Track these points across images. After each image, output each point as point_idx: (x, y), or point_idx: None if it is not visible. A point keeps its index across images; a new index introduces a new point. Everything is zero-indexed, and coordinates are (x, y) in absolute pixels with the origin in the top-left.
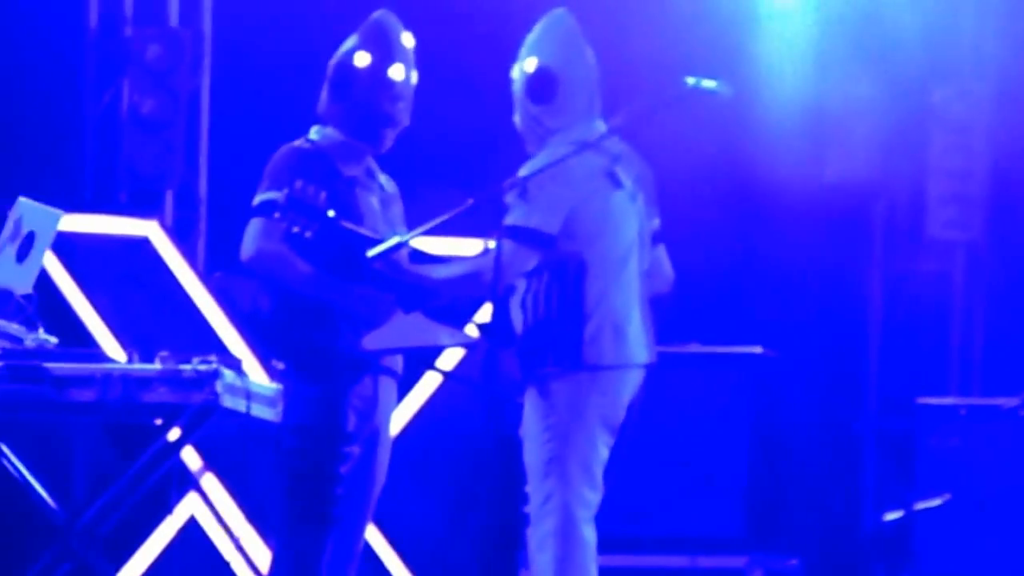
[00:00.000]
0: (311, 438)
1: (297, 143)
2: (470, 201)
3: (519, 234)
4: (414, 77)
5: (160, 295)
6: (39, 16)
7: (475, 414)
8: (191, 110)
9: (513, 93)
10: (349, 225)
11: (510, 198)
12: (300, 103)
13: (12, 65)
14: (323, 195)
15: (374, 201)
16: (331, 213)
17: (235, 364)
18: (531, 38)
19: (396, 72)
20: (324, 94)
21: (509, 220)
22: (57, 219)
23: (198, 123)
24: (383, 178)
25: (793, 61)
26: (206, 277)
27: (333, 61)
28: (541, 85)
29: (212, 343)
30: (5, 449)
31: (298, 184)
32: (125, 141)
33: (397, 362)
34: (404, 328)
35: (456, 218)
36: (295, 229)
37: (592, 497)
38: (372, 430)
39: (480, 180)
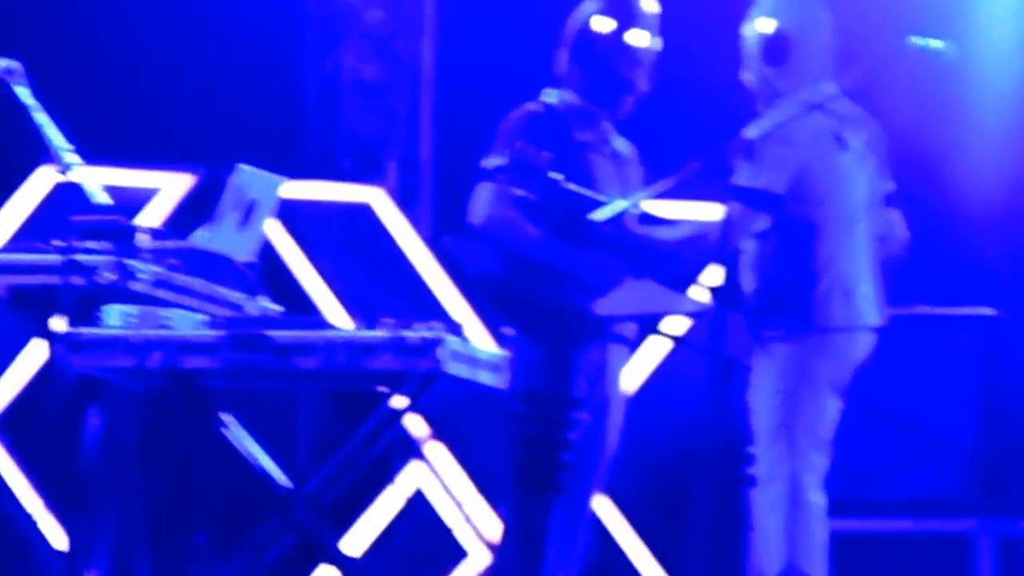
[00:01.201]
0: (539, 404)
1: (530, 105)
2: (697, 163)
3: (746, 195)
4: (656, 43)
5: (384, 262)
6: None
7: (703, 378)
8: (413, 75)
9: (744, 50)
10: (573, 187)
11: (737, 160)
12: (524, 66)
13: (233, 31)
14: (547, 156)
15: (608, 165)
16: (555, 175)
17: (459, 330)
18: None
19: (637, 38)
20: (562, 56)
21: (736, 181)
22: (278, 186)
23: (420, 88)
24: (619, 142)
25: (1018, 20)
26: (430, 243)
27: (573, 23)
28: (776, 47)
29: (436, 309)
30: (229, 418)
31: (519, 146)
32: (347, 107)
33: (629, 328)
34: (635, 293)
35: (683, 180)
36: (518, 192)
37: (820, 461)
38: (602, 397)
39: (707, 142)
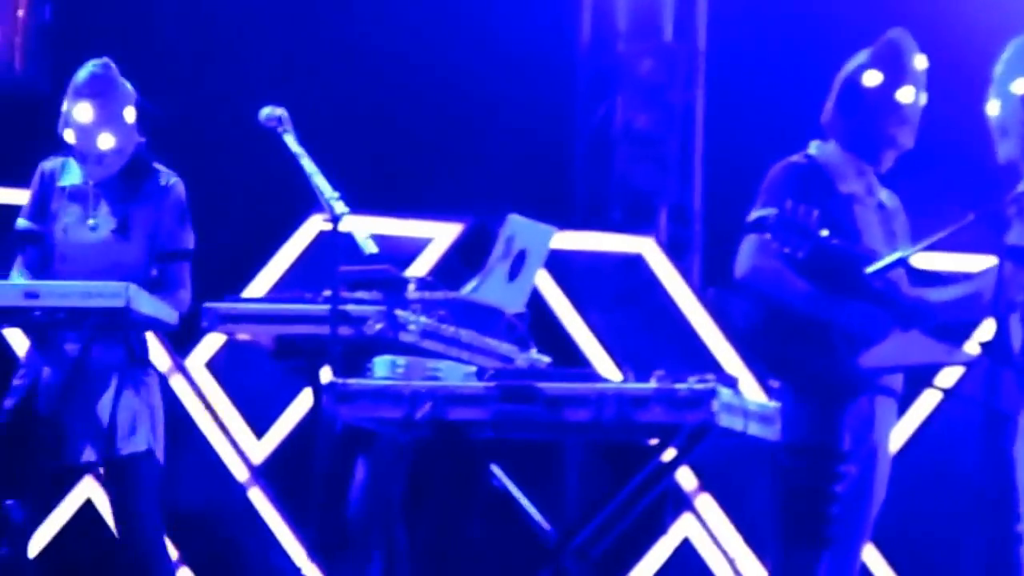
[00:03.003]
0: (806, 457)
1: (794, 158)
2: (971, 216)
3: (1019, 254)
4: (923, 99)
5: (655, 313)
6: (533, 31)
7: (974, 432)
8: (685, 125)
9: (996, 127)
10: (841, 243)
11: (1011, 214)
12: (796, 117)
13: (505, 80)
14: (815, 214)
15: (873, 217)
16: (824, 232)
17: (731, 382)
18: (1007, 66)
19: (905, 95)
20: (829, 107)
21: (1010, 239)
22: (549, 236)
23: (693, 138)
24: (884, 194)
25: None
26: (701, 294)
27: (842, 75)
28: None
29: (708, 361)
30: (497, 470)
31: (788, 204)
32: (618, 157)
33: (896, 380)
34: (902, 345)
35: (957, 233)
36: (786, 250)
37: None
38: (869, 449)
39: (983, 195)
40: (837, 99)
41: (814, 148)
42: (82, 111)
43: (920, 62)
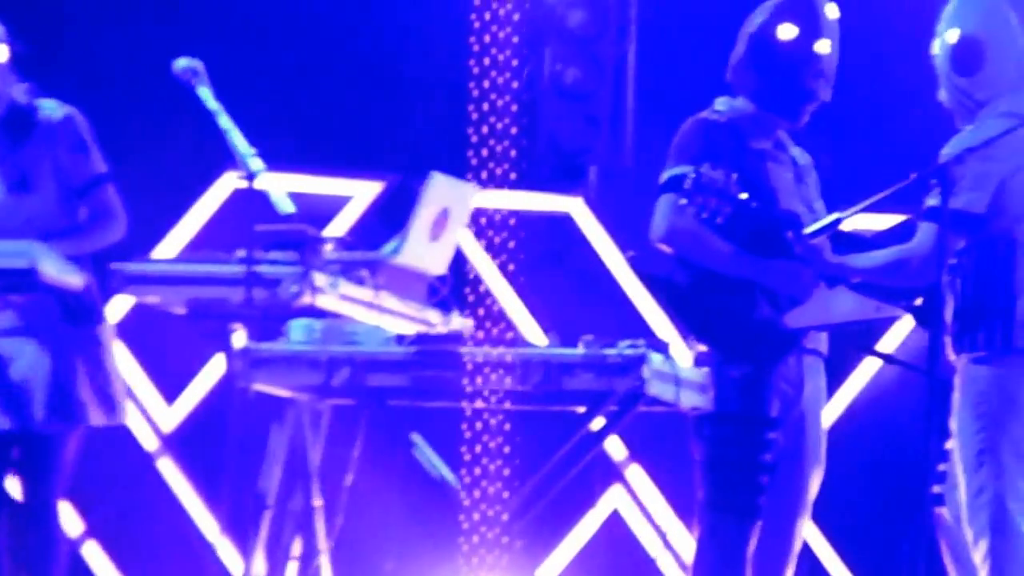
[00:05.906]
0: (733, 424)
1: (704, 114)
2: (912, 177)
3: (943, 216)
4: (836, 51)
5: (583, 275)
6: None
7: (915, 399)
8: (617, 79)
9: (936, 69)
10: (761, 206)
11: (938, 178)
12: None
13: (430, 32)
14: (734, 176)
15: (787, 175)
16: (743, 196)
17: (663, 348)
18: (949, 9)
19: (822, 46)
20: (736, 63)
21: (931, 201)
22: (472, 194)
23: (624, 93)
24: (796, 151)
25: None
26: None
27: (749, 29)
28: (966, 56)
29: (639, 325)
30: (418, 439)
31: (704, 168)
32: (546, 112)
33: (822, 341)
34: (827, 303)
35: (891, 196)
36: (704, 215)
37: None
38: (798, 415)
39: (915, 155)
40: (748, 54)
41: (722, 104)
42: None
43: (832, 11)
